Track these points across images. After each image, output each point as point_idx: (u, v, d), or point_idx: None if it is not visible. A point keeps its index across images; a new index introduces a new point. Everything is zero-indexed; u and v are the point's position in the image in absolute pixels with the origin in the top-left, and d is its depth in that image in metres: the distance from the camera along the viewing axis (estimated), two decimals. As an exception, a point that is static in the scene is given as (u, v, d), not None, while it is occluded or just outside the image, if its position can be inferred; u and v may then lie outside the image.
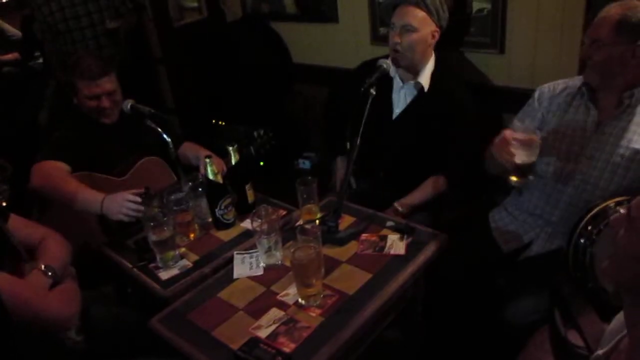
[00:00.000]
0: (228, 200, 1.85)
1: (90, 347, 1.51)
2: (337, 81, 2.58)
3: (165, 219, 1.67)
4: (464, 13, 2.36)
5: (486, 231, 1.98)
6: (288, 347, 1.31)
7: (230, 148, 1.89)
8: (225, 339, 1.36)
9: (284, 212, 1.94)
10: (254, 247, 1.68)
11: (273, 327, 1.38)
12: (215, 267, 1.69)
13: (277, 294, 1.51)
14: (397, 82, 2.20)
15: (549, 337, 1.49)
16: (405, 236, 1.69)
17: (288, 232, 1.72)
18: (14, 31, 4.41)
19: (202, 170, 2.15)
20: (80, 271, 1.62)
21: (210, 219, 1.88)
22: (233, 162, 1.90)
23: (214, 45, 3.42)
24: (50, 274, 1.43)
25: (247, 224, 1.87)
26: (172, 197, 1.81)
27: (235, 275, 1.62)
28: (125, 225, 1.90)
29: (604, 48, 1.58)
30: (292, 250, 1.45)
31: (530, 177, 1.69)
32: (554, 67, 2.18)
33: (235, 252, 1.72)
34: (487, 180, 2.20)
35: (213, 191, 1.84)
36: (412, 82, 2.15)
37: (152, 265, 1.71)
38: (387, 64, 1.95)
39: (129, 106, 2.14)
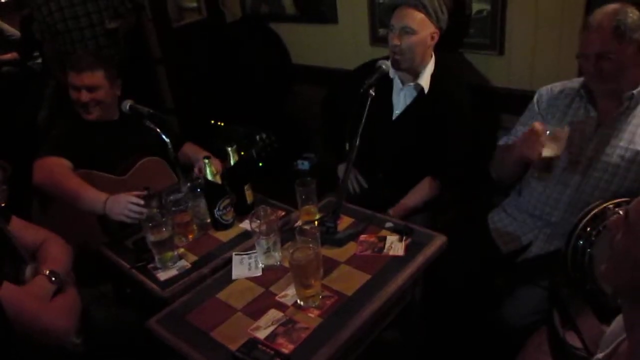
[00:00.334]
0: (227, 201, 1.85)
1: (89, 348, 1.51)
2: (335, 83, 2.57)
3: (163, 219, 1.67)
4: (463, 14, 2.36)
5: (485, 232, 1.98)
6: (287, 348, 1.31)
7: (229, 149, 1.89)
8: (223, 339, 1.36)
9: (283, 213, 1.94)
10: (252, 247, 1.68)
11: (272, 328, 1.38)
12: (213, 268, 1.69)
13: (276, 294, 1.51)
14: (397, 84, 2.20)
15: (547, 338, 1.49)
16: (404, 237, 1.69)
17: (287, 233, 1.72)
18: (13, 31, 4.41)
19: (196, 171, 2.17)
20: (79, 271, 1.61)
21: (209, 220, 1.88)
22: (232, 162, 1.90)
23: (213, 45, 3.42)
24: (54, 279, 1.42)
25: (245, 224, 1.87)
26: (171, 197, 1.82)
27: (234, 276, 1.61)
28: (125, 226, 1.91)
29: (614, 58, 1.57)
30: (290, 251, 1.44)
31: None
32: (553, 68, 2.18)
33: (234, 253, 1.72)
34: (485, 182, 2.20)
35: (212, 192, 1.84)
36: (411, 83, 2.15)
37: (150, 265, 1.71)
38: (386, 64, 1.94)
39: (127, 106, 2.14)
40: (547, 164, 1.67)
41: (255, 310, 1.46)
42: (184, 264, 1.71)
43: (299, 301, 1.45)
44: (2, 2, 4.83)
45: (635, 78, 1.65)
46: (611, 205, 1.54)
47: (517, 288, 1.78)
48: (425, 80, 2.13)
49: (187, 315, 1.47)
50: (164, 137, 2.02)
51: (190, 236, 1.84)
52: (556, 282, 1.67)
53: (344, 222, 1.81)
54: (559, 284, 1.64)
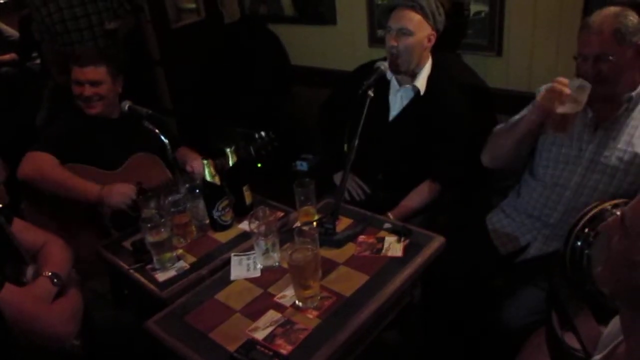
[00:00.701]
0: (225, 202, 1.85)
1: (88, 350, 1.51)
2: (334, 86, 2.57)
3: (162, 220, 1.67)
4: (461, 15, 2.36)
5: (484, 233, 1.99)
6: (285, 349, 1.30)
7: (228, 150, 1.89)
8: (222, 340, 1.36)
9: (282, 214, 1.94)
10: (251, 248, 1.68)
11: (270, 329, 1.38)
12: (212, 269, 1.69)
13: (275, 295, 1.51)
14: (394, 85, 2.20)
15: (545, 339, 1.49)
16: (403, 238, 1.69)
17: (285, 234, 1.72)
18: (11, 32, 4.41)
19: (188, 168, 2.23)
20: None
21: (207, 221, 1.88)
22: (231, 163, 1.90)
23: (212, 46, 3.42)
24: (56, 281, 1.42)
25: (244, 225, 1.87)
26: (170, 198, 1.82)
27: (232, 277, 1.61)
28: (117, 220, 1.94)
29: (613, 60, 1.58)
30: (289, 252, 1.44)
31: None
32: (552, 69, 2.19)
33: (232, 254, 1.71)
34: (483, 183, 2.20)
35: (210, 193, 1.84)
36: (408, 85, 2.16)
37: (149, 266, 1.71)
38: (384, 65, 1.95)
39: (126, 107, 2.14)
40: (565, 121, 1.61)
41: (254, 311, 1.46)
42: (183, 264, 1.71)
43: (297, 302, 1.45)
44: (1, 3, 4.82)
45: (632, 81, 1.66)
46: (609, 206, 1.54)
47: (515, 289, 1.78)
48: (421, 82, 2.14)
49: (185, 316, 1.47)
50: (162, 138, 2.02)
51: (189, 237, 1.84)
52: (554, 283, 1.67)
53: (343, 223, 1.81)
54: (558, 284, 1.64)
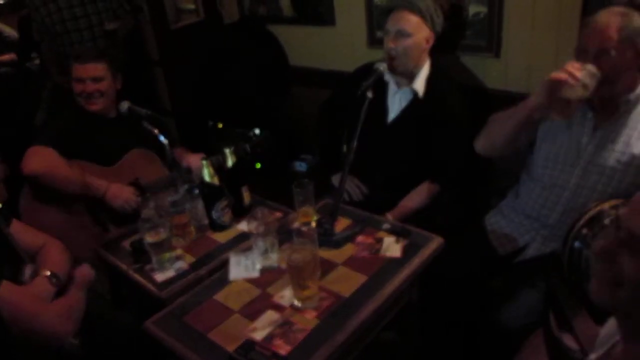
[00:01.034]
0: (224, 203, 1.85)
1: (87, 350, 1.51)
2: (333, 88, 2.57)
3: (161, 220, 1.67)
4: (460, 17, 2.36)
5: (482, 234, 1.99)
6: (284, 349, 1.31)
7: (227, 150, 1.90)
8: (220, 341, 1.36)
9: (280, 214, 1.94)
10: (250, 249, 1.68)
11: (269, 329, 1.38)
12: (211, 269, 1.70)
13: (273, 296, 1.51)
14: (392, 87, 2.20)
15: (543, 340, 1.49)
16: (401, 239, 1.69)
17: (284, 234, 1.72)
18: (10, 32, 4.40)
19: (184, 164, 2.24)
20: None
21: (206, 221, 1.88)
22: (229, 164, 1.90)
23: (211, 47, 3.42)
24: (54, 280, 1.42)
25: (243, 226, 1.87)
26: (169, 199, 1.82)
27: (231, 277, 1.62)
28: (116, 218, 1.96)
29: (614, 56, 1.58)
30: (288, 252, 1.45)
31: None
32: (550, 70, 2.17)
33: (231, 254, 1.72)
34: (481, 183, 2.21)
35: (209, 193, 1.84)
36: (407, 87, 2.16)
37: (148, 267, 1.71)
38: (383, 66, 1.95)
39: (126, 107, 2.15)
40: (568, 105, 1.60)
41: (253, 311, 1.46)
42: (182, 265, 1.71)
43: (296, 302, 1.46)
44: (0, 3, 4.82)
45: (631, 82, 1.66)
46: (607, 207, 1.54)
47: (514, 290, 1.78)
48: (420, 84, 2.14)
49: (184, 316, 1.47)
50: (162, 138, 2.03)
51: (188, 237, 1.84)
52: (553, 283, 1.67)
53: (341, 223, 1.81)
54: (556, 285, 1.64)
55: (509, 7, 2.24)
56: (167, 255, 1.69)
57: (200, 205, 1.87)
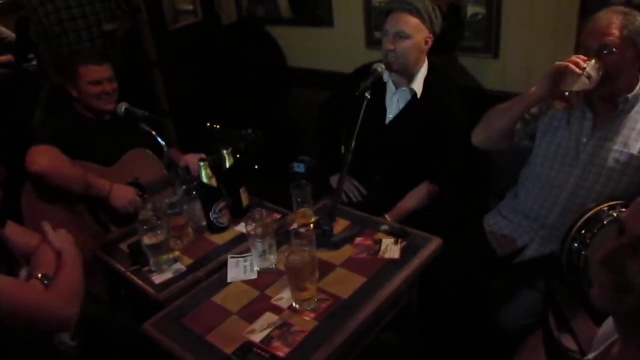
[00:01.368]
0: (222, 204, 1.84)
1: (84, 351, 1.51)
2: (332, 89, 2.57)
3: (159, 222, 1.66)
4: (458, 18, 2.36)
5: (481, 235, 1.99)
6: (282, 351, 1.30)
7: (225, 151, 1.89)
8: (218, 343, 1.36)
9: (279, 216, 1.94)
10: (248, 250, 1.68)
11: (267, 331, 1.37)
12: (209, 271, 1.69)
13: (271, 297, 1.51)
14: (390, 88, 2.20)
15: (542, 341, 1.49)
16: (400, 240, 1.69)
17: (282, 236, 1.72)
18: (7, 33, 4.39)
19: (182, 162, 2.26)
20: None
21: (204, 223, 1.88)
22: (227, 165, 1.90)
23: (209, 48, 3.41)
24: (46, 282, 1.41)
25: (241, 227, 1.86)
26: (166, 200, 1.81)
27: (229, 279, 1.61)
28: (119, 218, 1.98)
29: (616, 52, 1.58)
30: (286, 253, 1.44)
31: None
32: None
33: (229, 256, 1.71)
34: (480, 184, 2.20)
35: (207, 195, 1.84)
36: (405, 87, 2.16)
37: (145, 268, 1.70)
38: (381, 67, 1.95)
39: (123, 109, 2.14)
40: (571, 96, 1.61)
41: (251, 313, 1.45)
42: (179, 266, 1.71)
43: (294, 304, 1.45)
44: (-1, 4, 4.81)
45: (630, 82, 1.67)
46: (606, 208, 1.54)
47: (513, 291, 1.78)
48: (418, 85, 2.14)
49: (182, 318, 1.47)
50: (159, 139, 2.02)
51: (186, 239, 1.84)
52: (551, 284, 1.67)
53: (340, 224, 1.81)
54: (554, 286, 1.64)
55: (507, 8, 2.24)
56: (165, 256, 1.69)
57: (198, 206, 1.86)
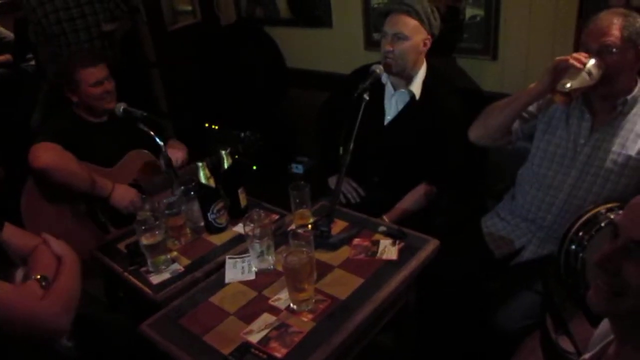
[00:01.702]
0: (220, 205, 1.84)
1: (82, 352, 1.50)
2: (331, 90, 2.57)
3: (157, 223, 1.66)
4: (457, 19, 2.37)
5: (478, 236, 1.99)
6: (279, 352, 1.30)
7: (223, 152, 1.89)
8: (216, 343, 1.36)
9: (277, 217, 1.94)
10: (246, 251, 1.68)
11: (265, 332, 1.37)
12: (207, 272, 1.69)
13: (269, 298, 1.51)
14: (388, 89, 2.21)
15: (540, 342, 1.49)
16: (398, 241, 1.69)
17: (280, 237, 1.72)
18: (6, 33, 4.39)
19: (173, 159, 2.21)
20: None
21: (202, 223, 1.87)
22: (226, 166, 1.90)
23: (208, 49, 3.41)
24: (44, 284, 1.41)
25: (239, 228, 1.86)
26: (164, 201, 1.81)
27: (227, 280, 1.61)
28: (118, 218, 1.99)
29: (616, 53, 1.59)
30: (284, 254, 1.44)
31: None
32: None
33: (227, 257, 1.71)
34: (478, 186, 2.20)
35: (205, 195, 1.83)
36: (403, 89, 2.16)
37: (143, 269, 1.70)
38: (380, 69, 1.95)
39: (121, 109, 2.14)
40: (571, 91, 1.60)
41: (248, 314, 1.45)
42: (177, 267, 1.70)
43: (292, 305, 1.45)
44: (-2, 5, 4.80)
45: (629, 83, 1.67)
46: (603, 210, 1.55)
47: (510, 292, 1.78)
48: (416, 86, 2.14)
49: (179, 319, 1.46)
50: (158, 140, 2.02)
51: (184, 240, 1.84)
52: (549, 286, 1.67)
53: (338, 226, 1.81)
54: (552, 288, 1.64)
55: (505, 10, 2.25)
56: (163, 257, 1.69)
57: (196, 207, 1.86)
